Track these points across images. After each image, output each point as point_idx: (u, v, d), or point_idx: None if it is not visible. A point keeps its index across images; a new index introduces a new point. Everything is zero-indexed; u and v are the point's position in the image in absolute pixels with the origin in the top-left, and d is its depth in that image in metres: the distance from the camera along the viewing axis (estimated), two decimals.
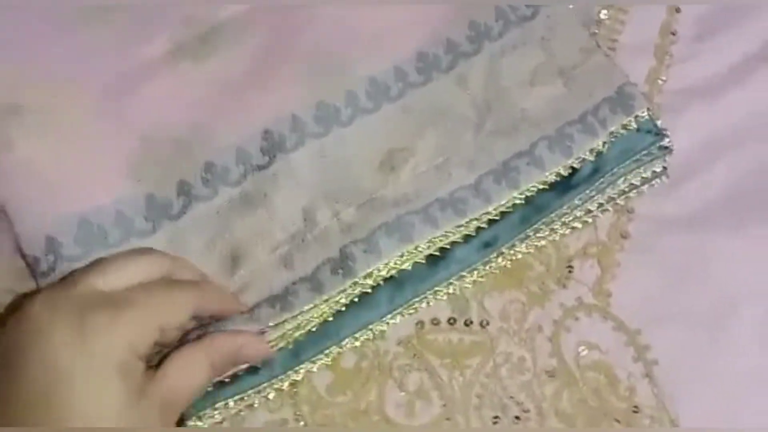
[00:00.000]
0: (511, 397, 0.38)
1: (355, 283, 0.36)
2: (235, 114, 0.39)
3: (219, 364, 0.33)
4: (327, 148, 0.39)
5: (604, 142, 0.38)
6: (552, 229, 0.40)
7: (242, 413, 0.37)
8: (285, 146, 0.38)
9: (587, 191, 0.39)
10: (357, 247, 0.36)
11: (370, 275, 0.36)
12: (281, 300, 0.35)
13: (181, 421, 0.35)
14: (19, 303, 0.33)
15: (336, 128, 0.39)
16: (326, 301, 0.36)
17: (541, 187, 0.38)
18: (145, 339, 0.31)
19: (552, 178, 0.38)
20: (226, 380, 0.35)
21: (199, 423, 0.35)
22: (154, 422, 0.30)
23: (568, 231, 0.40)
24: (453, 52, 0.40)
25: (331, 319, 0.37)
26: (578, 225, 0.41)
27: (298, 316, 0.35)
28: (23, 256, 0.36)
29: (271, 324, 0.35)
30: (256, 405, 0.37)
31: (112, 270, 0.33)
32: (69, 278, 0.34)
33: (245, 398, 0.36)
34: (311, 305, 0.35)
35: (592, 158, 0.38)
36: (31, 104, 0.38)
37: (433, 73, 0.40)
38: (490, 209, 0.37)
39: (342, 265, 0.36)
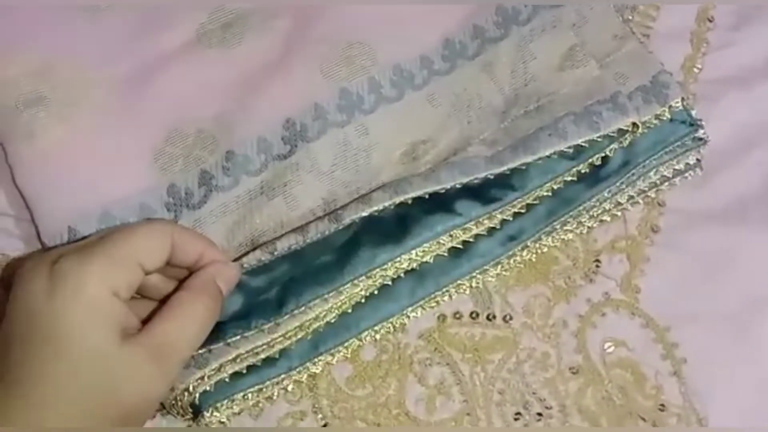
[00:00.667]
0: (534, 394, 0.38)
1: (375, 275, 0.36)
2: (257, 103, 0.39)
3: (210, 303, 0.32)
4: (349, 137, 0.38)
5: (634, 124, 0.36)
6: (579, 222, 0.39)
7: (260, 405, 0.37)
8: (307, 135, 0.38)
9: (617, 183, 0.38)
10: (353, 203, 0.35)
11: (390, 268, 0.36)
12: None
13: (197, 412, 0.35)
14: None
15: (358, 116, 0.38)
16: (342, 304, 0.36)
17: (569, 179, 0.37)
18: (122, 277, 0.30)
19: (585, 168, 0.37)
20: (243, 371, 0.35)
21: (216, 414, 0.35)
22: (146, 370, 0.29)
23: (596, 224, 0.39)
24: (479, 38, 0.39)
25: (350, 311, 0.36)
26: (607, 218, 0.39)
27: (314, 307, 0.35)
28: (43, 246, 0.36)
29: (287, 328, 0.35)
30: (275, 397, 0.37)
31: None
32: None
33: (264, 390, 0.36)
34: (286, 245, 0.35)
35: (623, 143, 0.36)
36: (54, 95, 0.37)
37: (458, 61, 0.39)
38: (499, 171, 0.35)
39: (334, 216, 0.35)
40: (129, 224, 0.32)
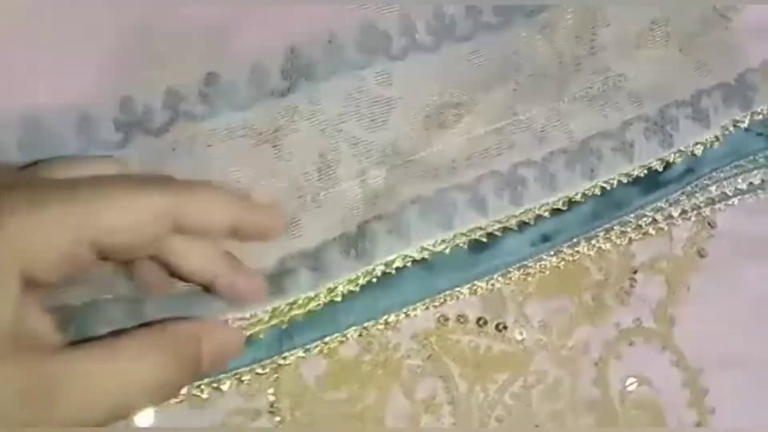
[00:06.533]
0: (537, 426, 0.32)
1: (371, 270, 0.28)
2: (259, 22, 0.30)
3: (169, 368, 0.22)
4: (367, 83, 0.30)
5: (716, 137, 0.30)
6: (623, 232, 0.32)
7: (204, 396, 0.29)
8: (314, 73, 0.30)
9: (676, 193, 0.32)
10: (380, 225, 0.28)
11: (397, 258, 0.28)
12: (273, 280, 0.27)
13: None
14: None
15: (382, 60, 0.30)
16: (331, 290, 0.28)
17: (624, 179, 0.31)
18: (50, 250, 0.20)
19: (639, 172, 0.30)
20: None
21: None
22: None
23: (639, 236, 0.33)
24: None
25: (339, 299, 0.29)
26: (652, 231, 0.33)
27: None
28: None
29: (256, 312, 0.27)
30: (224, 388, 0.29)
31: (82, 162, 0.24)
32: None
33: (215, 382, 0.29)
34: (310, 293, 0.27)
35: (697, 153, 0.30)
36: None
37: (514, 17, 0.32)
38: (553, 199, 0.29)
39: (356, 244, 0.28)
40: (110, 177, 0.22)
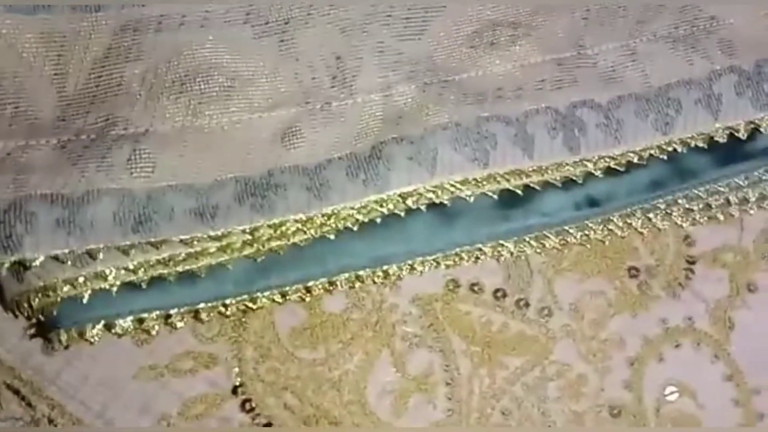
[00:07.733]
0: (550, 426, 0.26)
1: (382, 201, 0.23)
2: None
3: None
4: None
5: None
6: (688, 210, 0.27)
7: (153, 332, 0.24)
8: None
9: (760, 170, 0.26)
10: (400, 148, 0.23)
11: (409, 195, 0.23)
12: (259, 192, 0.22)
13: (50, 326, 0.21)
14: None
15: None
16: (329, 216, 0.22)
17: (700, 143, 0.25)
18: None
19: (721, 135, 0.25)
20: (142, 285, 0.22)
21: (76, 337, 0.22)
22: None
23: (704, 219, 0.27)
24: None
25: (332, 236, 0.23)
26: (720, 216, 0.27)
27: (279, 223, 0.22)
28: None
29: (230, 230, 0.21)
30: (179, 325, 0.24)
31: None
32: None
33: (171, 316, 0.23)
34: (300, 215, 0.22)
35: None
36: None
37: None
38: (616, 152, 0.24)
39: (368, 167, 0.22)
40: None
